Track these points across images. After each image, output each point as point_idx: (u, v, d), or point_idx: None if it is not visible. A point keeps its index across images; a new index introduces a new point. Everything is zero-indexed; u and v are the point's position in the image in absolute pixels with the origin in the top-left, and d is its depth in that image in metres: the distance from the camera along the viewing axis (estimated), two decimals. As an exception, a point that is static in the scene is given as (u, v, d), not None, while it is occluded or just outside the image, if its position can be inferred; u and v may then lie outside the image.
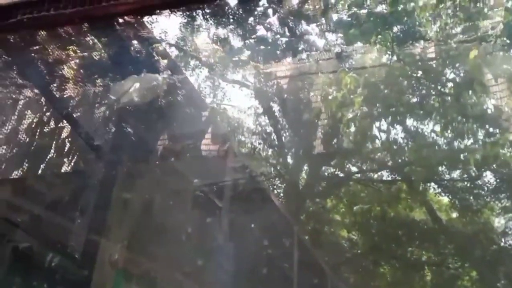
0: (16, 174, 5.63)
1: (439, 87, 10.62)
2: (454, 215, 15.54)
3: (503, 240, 15.53)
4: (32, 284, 5.00)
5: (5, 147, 5.73)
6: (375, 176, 15.18)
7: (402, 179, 13.58)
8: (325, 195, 15.35)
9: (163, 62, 6.16)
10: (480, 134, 10.64)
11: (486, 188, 13.92)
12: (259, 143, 13.62)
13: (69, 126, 5.68)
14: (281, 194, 13.78)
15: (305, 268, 9.07)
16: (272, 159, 14.19)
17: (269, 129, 13.56)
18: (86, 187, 5.47)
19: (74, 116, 5.60)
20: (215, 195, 6.67)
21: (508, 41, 7.82)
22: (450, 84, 10.50)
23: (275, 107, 13.07)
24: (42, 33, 4.95)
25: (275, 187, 14.29)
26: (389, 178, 14.65)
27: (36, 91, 5.47)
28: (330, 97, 10.58)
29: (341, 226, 16.43)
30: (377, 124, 11.71)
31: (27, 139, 5.63)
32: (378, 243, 15.20)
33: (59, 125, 5.74)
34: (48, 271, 4.96)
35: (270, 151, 14.23)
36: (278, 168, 14.27)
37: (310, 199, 14.54)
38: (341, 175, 15.02)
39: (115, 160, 5.36)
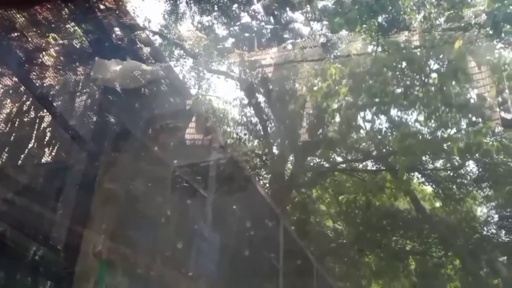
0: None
1: (423, 78, 10.67)
2: (438, 204, 15.72)
3: (485, 229, 15.78)
4: (15, 277, 4.89)
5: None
6: (360, 166, 15.28)
7: (387, 169, 13.67)
8: (311, 185, 15.38)
9: (146, 50, 6.05)
10: (463, 123, 10.75)
11: (468, 177, 14.10)
12: (245, 134, 13.55)
13: (49, 115, 5.53)
14: (267, 185, 13.76)
15: (291, 258, 9.08)
16: (257, 150, 14.13)
17: (254, 119, 13.49)
18: (67, 177, 5.35)
19: (54, 104, 5.45)
20: (200, 185, 6.61)
21: (490, 32, 7.88)
22: (434, 75, 10.55)
23: (260, 97, 13.00)
24: (21, 18, 4.81)
25: (260, 177, 14.25)
26: (374, 168, 14.75)
27: (14, 78, 5.31)
28: (315, 88, 10.58)
29: (327, 216, 16.54)
30: (361, 114, 11.77)
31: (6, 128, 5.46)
32: (363, 233, 15.32)
33: (39, 114, 5.60)
34: (30, 264, 4.85)
35: (255, 142, 14.17)
36: (264, 158, 14.22)
37: (295, 189, 14.55)
38: (327, 165, 15.06)
39: (97, 149, 5.26)
